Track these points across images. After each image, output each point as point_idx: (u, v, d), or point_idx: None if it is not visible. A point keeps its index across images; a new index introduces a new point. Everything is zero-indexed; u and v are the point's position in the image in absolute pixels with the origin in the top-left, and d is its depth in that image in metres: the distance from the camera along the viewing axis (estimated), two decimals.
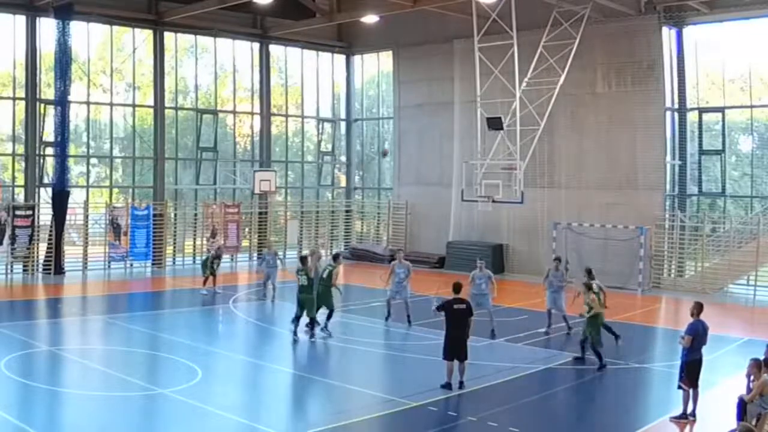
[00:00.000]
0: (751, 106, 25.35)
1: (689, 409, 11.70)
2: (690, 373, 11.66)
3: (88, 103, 27.40)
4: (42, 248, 25.72)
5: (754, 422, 10.12)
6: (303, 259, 17.30)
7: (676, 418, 11.72)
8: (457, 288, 13.60)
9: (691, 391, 11.68)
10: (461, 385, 12.95)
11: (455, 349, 13.01)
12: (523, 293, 22.83)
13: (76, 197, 26.91)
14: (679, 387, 11.81)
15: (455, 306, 13.19)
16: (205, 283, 22.76)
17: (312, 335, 16.69)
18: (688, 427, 11.56)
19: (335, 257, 18.33)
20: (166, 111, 29.26)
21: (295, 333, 16.70)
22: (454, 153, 29.98)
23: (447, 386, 12.93)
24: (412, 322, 18.08)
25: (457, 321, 13.09)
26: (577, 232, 26.33)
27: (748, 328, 19.86)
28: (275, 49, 32.31)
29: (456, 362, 13.04)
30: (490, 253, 27.49)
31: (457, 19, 26.88)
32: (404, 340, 17.03)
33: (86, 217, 27.01)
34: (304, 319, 16.78)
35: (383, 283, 19.31)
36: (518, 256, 28.17)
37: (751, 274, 23.96)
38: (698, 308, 11.92)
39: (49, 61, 25.57)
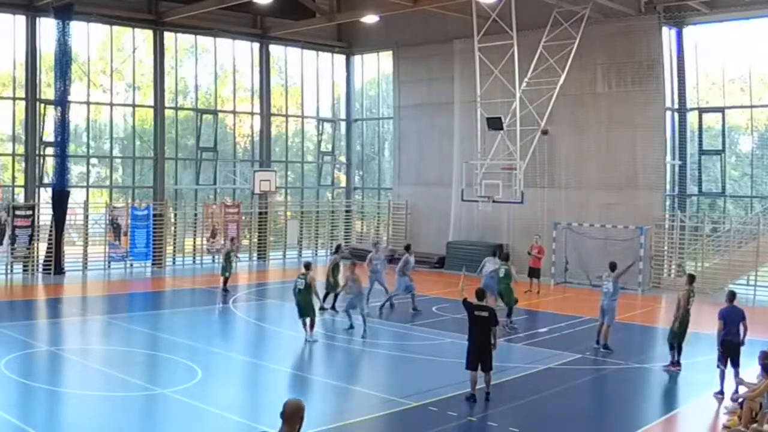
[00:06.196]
0: (751, 106, 25.34)
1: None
2: (725, 352, 12.64)
3: (88, 103, 27.39)
4: (42, 248, 25.70)
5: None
6: (307, 266, 17.04)
7: (716, 393, 12.52)
8: (480, 294, 12.97)
9: (728, 370, 12.50)
10: (487, 396, 12.18)
11: (477, 358, 12.18)
12: (523, 293, 22.77)
13: (76, 197, 26.90)
14: (718, 366, 12.66)
15: (476, 312, 12.34)
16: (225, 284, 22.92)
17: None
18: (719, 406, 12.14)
19: (496, 254, 19.02)
20: (166, 111, 29.26)
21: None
22: (454, 153, 29.96)
23: (471, 398, 12.10)
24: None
25: (478, 328, 12.26)
26: (577, 232, 26.32)
27: (749, 328, 19.79)
28: (275, 49, 32.30)
29: (480, 372, 12.20)
30: (490, 253, 27.42)
31: (457, 19, 26.88)
32: (404, 340, 17.01)
33: (86, 217, 26.99)
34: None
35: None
36: (518, 256, 28.12)
37: (751, 274, 23.93)
38: (729, 296, 13.33)
39: (49, 61, 25.56)
